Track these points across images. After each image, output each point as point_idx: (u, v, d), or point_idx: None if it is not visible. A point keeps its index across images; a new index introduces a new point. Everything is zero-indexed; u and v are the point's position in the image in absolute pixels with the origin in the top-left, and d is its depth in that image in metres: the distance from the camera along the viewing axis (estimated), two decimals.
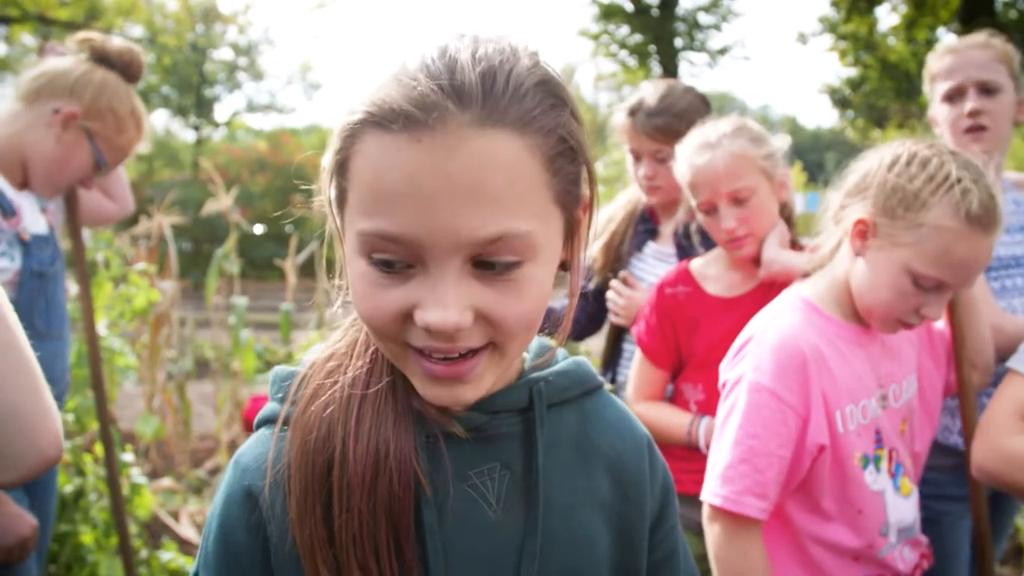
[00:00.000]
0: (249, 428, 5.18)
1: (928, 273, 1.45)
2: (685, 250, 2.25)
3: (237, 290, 5.58)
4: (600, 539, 0.94)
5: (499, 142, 0.73)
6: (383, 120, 0.73)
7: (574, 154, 0.81)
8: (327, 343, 0.94)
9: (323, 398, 0.86)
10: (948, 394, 1.79)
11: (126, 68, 2.20)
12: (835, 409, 1.52)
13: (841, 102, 18.85)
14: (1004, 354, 1.74)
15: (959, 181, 1.43)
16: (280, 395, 0.91)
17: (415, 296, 0.76)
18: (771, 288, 1.83)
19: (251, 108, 27.62)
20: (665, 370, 2.09)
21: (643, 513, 0.99)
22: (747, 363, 1.56)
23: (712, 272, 2.07)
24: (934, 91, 2.28)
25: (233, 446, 5.32)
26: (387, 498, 0.82)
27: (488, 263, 0.76)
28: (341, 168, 0.79)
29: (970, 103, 2.15)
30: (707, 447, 1.91)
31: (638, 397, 2.10)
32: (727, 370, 1.63)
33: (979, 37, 2.25)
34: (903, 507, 1.61)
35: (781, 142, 2.01)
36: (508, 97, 0.74)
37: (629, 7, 21.83)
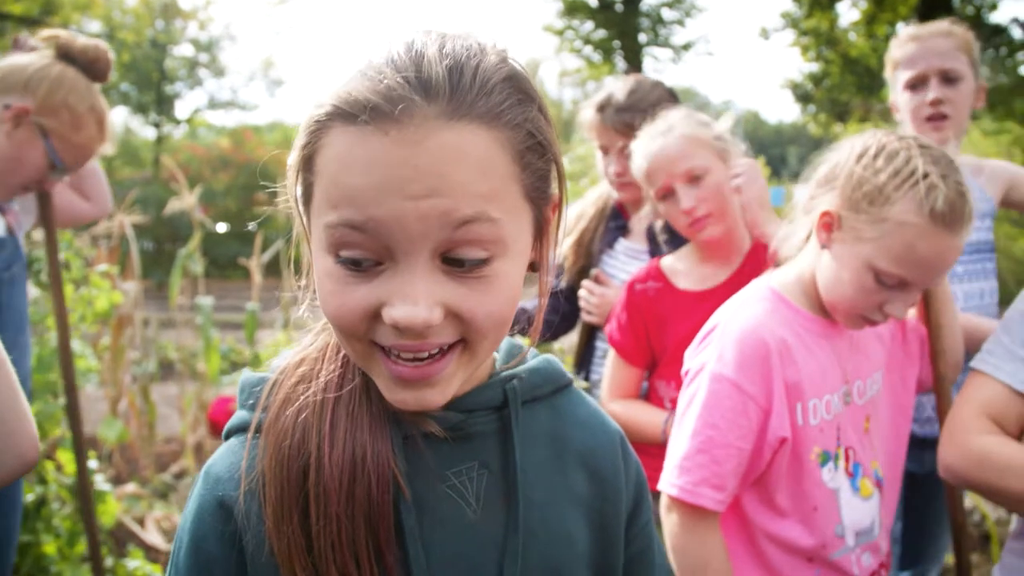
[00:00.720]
0: (215, 430, 5.13)
1: (890, 270, 1.43)
2: (658, 246, 2.24)
3: (202, 290, 5.50)
4: (578, 535, 0.94)
5: (467, 135, 0.73)
6: (350, 113, 0.73)
7: (543, 150, 0.81)
8: (297, 347, 0.92)
9: (296, 404, 0.84)
10: (921, 390, 1.79)
11: (90, 65, 2.12)
12: (796, 402, 1.51)
13: (803, 97, 19.04)
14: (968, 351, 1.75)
15: (925, 176, 1.40)
16: (251, 402, 0.89)
17: (383, 293, 0.75)
18: (743, 280, 1.83)
19: (213, 105, 27.22)
20: (639, 367, 2.09)
21: (619, 509, 0.99)
22: (710, 352, 1.54)
23: (682, 267, 2.08)
24: (896, 78, 2.30)
25: (199, 449, 5.24)
26: (365, 503, 0.80)
27: (457, 260, 0.75)
28: (307, 163, 0.78)
29: (932, 92, 2.19)
30: None
31: (612, 396, 2.10)
32: (690, 358, 1.61)
33: (942, 25, 2.28)
34: (861, 509, 1.58)
35: (727, 123, 2.05)
36: (476, 91, 0.74)
37: (593, 3, 21.88)
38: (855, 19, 17.52)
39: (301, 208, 0.83)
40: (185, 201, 5.19)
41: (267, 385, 0.89)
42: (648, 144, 2.00)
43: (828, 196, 1.52)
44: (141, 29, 23.38)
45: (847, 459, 1.56)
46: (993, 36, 15.23)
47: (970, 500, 4.27)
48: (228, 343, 6.49)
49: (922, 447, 2.22)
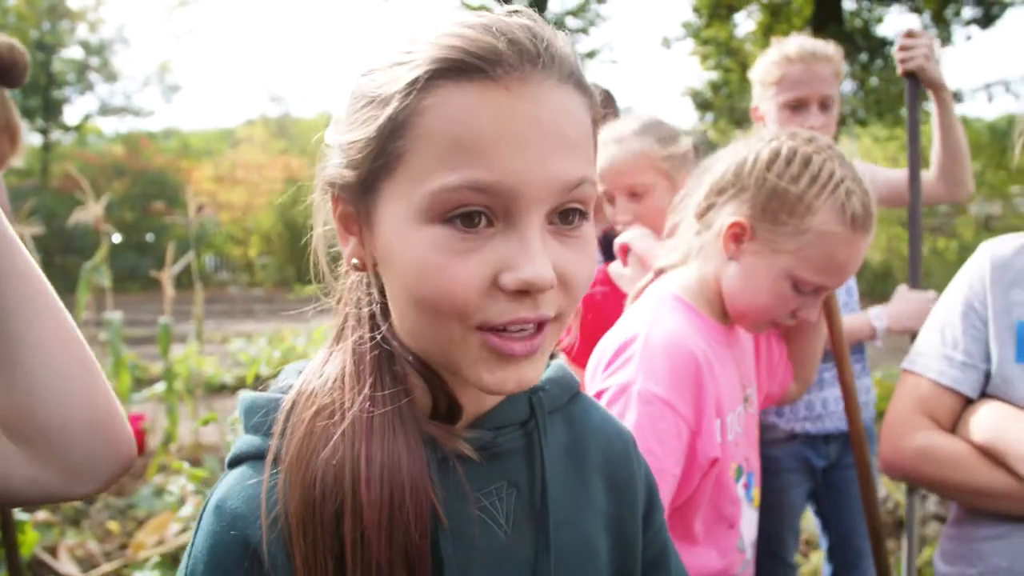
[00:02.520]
0: None
1: (811, 279, 1.40)
2: (611, 253, 2.23)
3: (109, 304, 5.23)
4: (600, 547, 0.92)
5: (572, 98, 0.74)
6: (471, 66, 0.69)
7: (597, 127, 0.81)
8: (309, 367, 0.84)
9: (319, 434, 0.76)
10: (765, 404, 1.79)
11: (5, 70, 1.85)
12: (718, 417, 1.43)
13: (703, 104, 19.51)
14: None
15: (842, 181, 1.38)
16: (265, 428, 0.80)
17: (499, 258, 0.71)
18: None
19: (104, 111, 26.16)
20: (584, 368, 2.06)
21: (636, 513, 0.98)
22: (633, 369, 1.40)
23: (628, 273, 2.06)
24: (772, 92, 2.32)
25: None
26: (403, 545, 0.74)
27: (564, 214, 0.74)
28: (396, 131, 0.72)
29: (813, 118, 2.24)
30: None
31: None
32: (604, 376, 1.46)
33: (821, 50, 2.32)
34: (753, 519, 1.56)
35: (686, 146, 2.04)
36: (573, 60, 0.75)
37: (496, 6, 21.95)
38: (752, 29, 18.09)
39: (357, 193, 0.77)
40: (91, 211, 4.93)
41: (282, 410, 0.80)
42: (602, 146, 1.97)
43: (733, 205, 1.46)
44: (25, 30, 22.22)
45: (745, 471, 1.53)
46: (881, 47, 15.97)
47: (884, 488, 4.43)
48: (131, 359, 6.21)
49: (827, 442, 2.33)
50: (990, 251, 1.51)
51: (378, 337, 0.80)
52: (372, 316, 0.82)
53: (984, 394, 1.48)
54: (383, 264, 0.77)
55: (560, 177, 0.71)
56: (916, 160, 2.21)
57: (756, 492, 1.56)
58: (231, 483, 0.79)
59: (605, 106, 2.24)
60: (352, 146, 0.75)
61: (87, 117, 25.88)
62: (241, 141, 27.12)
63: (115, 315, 4.92)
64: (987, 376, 1.47)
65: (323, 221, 0.87)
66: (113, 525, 4.17)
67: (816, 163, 1.39)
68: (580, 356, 2.05)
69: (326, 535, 0.73)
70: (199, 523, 0.79)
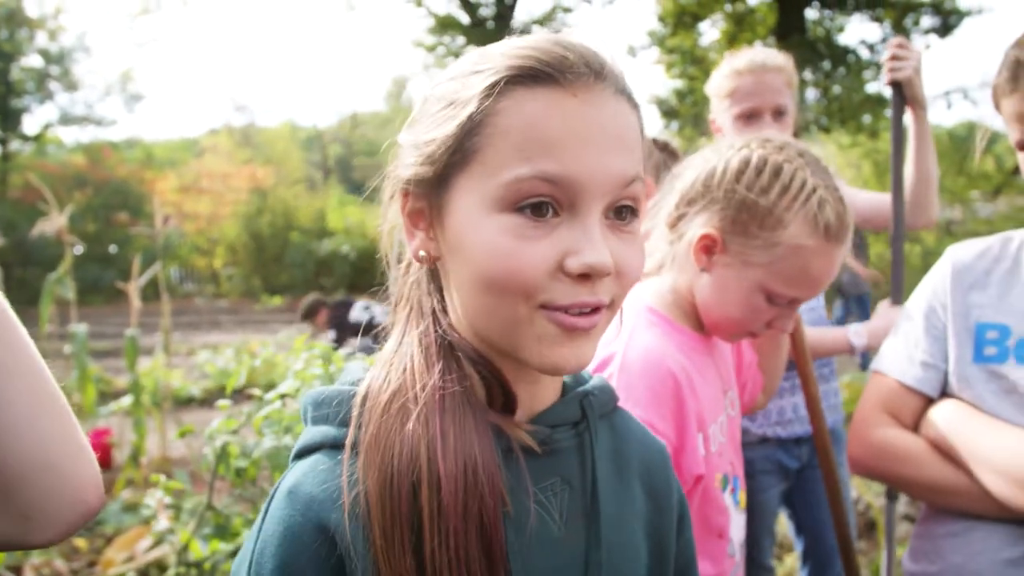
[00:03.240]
0: None
1: (785, 292, 1.38)
2: None
3: (73, 317, 5.14)
4: (642, 548, 0.97)
5: (626, 109, 0.83)
6: (540, 74, 0.78)
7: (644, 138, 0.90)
8: (379, 359, 0.90)
9: (395, 415, 0.81)
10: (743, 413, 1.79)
11: None
12: (700, 431, 1.39)
13: (668, 112, 19.68)
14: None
15: (815, 191, 1.35)
16: (338, 419, 0.85)
17: (565, 244, 0.78)
18: None
19: (65, 120, 25.78)
20: None
21: (671, 522, 1.02)
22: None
23: None
24: (726, 105, 2.35)
25: None
26: (478, 519, 0.78)
27: (619, 210, 0.82)
28: (473, 129, 0.80)
29: (767, 128, 2.25)
30: None
31: None
32: None
33: (776, 59, 2.35)
34: (740, 522, 1.53)
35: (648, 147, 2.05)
36: (624, 75, 0.84)
37: (465, 19, 21.97)
38: (716, 38, 18.32)
39: (432, 186, 0.83)
40: (53, 222, 4.85)
41: (356, 400, 0.85)
42: None
43: (704, 217, 1.42)
44: None
45: (730, 477, 1.51)
46: (843, 56, 16.27)
47: (855, 490, 4.48)
48: (96, 372, 6.11)
49: (798, 444, 2.38)
50: (952, 255, 1.55)
51: (441, 329, 0.86)
52: (434, 310, 0.88)
53: (945, 394, 1.52)
54: (452, 252, 0.83)
55: (617, 173, 0.80)
56: (899, 173, 2.24)
57: (742, 495, 1.55)
58: (304, 470, 0.82)
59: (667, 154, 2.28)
60: (429, 144, 0.82)
61: (47, 127, 25.48)
62: (206, 151, 26.88)
63: (80, 328, 4.84)
64: (947, 376, 1.51)
65: (390, 220, 0.92)
66: (81, 542, 4.09)
67: (787, 173, 1.36)
68: None
69: (404, 508, 0.77)
70: (266, 511, 0.81)
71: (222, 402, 2.12)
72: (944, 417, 1.46)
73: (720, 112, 2.38)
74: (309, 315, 8.06)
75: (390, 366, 0.86)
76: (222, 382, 8.08)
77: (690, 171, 1.47)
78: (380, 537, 0.76)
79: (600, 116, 0.79)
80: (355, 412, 0.83)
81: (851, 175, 13.73)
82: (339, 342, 6.99)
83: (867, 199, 2.44)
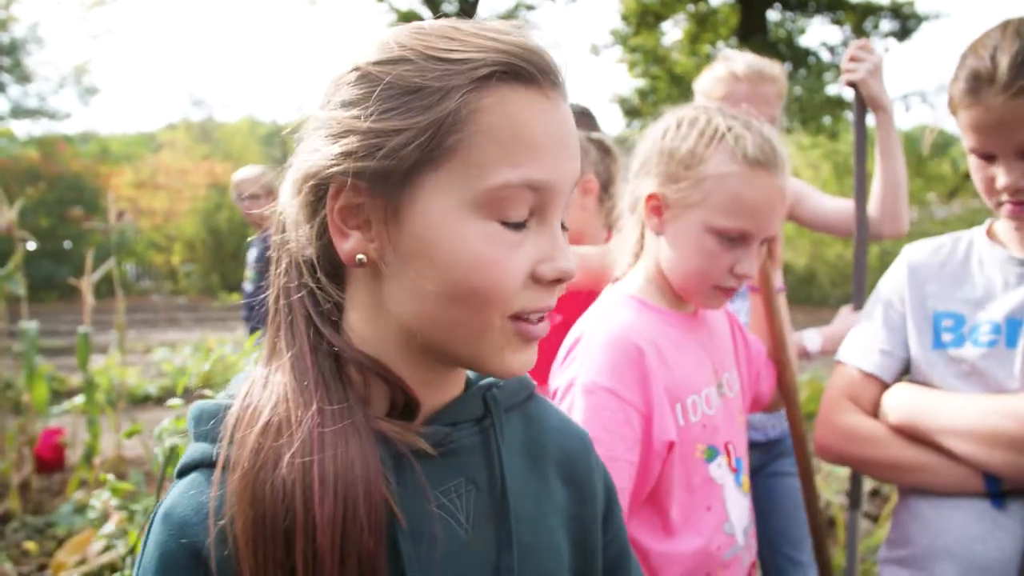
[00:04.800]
0: (44, 466, 4.68)
1: (727, 225, 1.42)
2: None
3: (24, 314, 5.00)
4: (562, 546, 0.92)
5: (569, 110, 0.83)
6: (524, 73, 0.76)
7: None
8: (249, 384, 0.81)
9: (267, 454, 0.74)
10: (753, 409, 1.82)
11: None
12: (676, 402, 1.44)
13: (631, 111, 19.80)
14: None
15: (729, 130, 1.43)
16: (215, 436, 0.79)
17: (538, 251, 0.78)
18: None
19: (17, 113, 25.19)
20: None
21: (595, 512, 0.98)
22: (578, 365, 1.44)
23: None
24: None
25: (25, 489, 4.75)
26: (357, 558, 0.72)
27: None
28: (453, 125, 0.74)
29: None
30: None
31: None
32: (556, 375, 1.50)
33: (774, 69, 2.36)
34: (743, 504, 1.55)
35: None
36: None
37: (427, 15, 21.94)
38: (679, 38, 18.46)
39: (390, 180, 0.76)
40: (2, 217, 4.72)
41: (228, 420, 0.78)
42: None
43: (644, 183, 1.52)
44: None
45: (728, 454, 1.53)
46: (804, 57, 16.49)
47: (824, 494, 4.52)
48: (48, 370, 5.97)
49: (752, 448, 2.32)
50: (907, 254, 1.67)
51: (323, 345, 0.80)
52: (314, 324, 0.81)
53: (909, 381, 1.61)
54: (409, 258, 0.77)
55: (575, 177, 0.81)
56: (862, 175, 2.23)
57: (745, 478, 1.57)
58: (180, 491, 0.78)
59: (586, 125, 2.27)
60: (391, 135, 0.75)
61: None
62: (163, 146, 26.49)
63: (30, 325, 4.71)
64: (907, 364, 1.62)
65: (302, 218, 0.81)
66: (31, 545, 3.98)
67: (701, 119, 1.47)
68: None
69: (277, 552, 0.72)
70: (147, 532, 0.78)
71: (173, 401, 2.07)
72: (901, 399, 1.56)
73: None
74: None
75: (262, 394, 0.79)
76: (179, 380, 7.96)
77: (635, 156, 1.56)
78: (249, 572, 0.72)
79: (565, 119, 0.79)
80: (226, 430, 0.77)
81: (810, 176, 13.92)
82: None
83: (834, 206, 2.44)
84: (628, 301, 1.53)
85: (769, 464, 2.40)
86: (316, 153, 0.78)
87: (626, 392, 1.38)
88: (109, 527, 2.76)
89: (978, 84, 1.40)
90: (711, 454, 1.49)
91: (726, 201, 1.42)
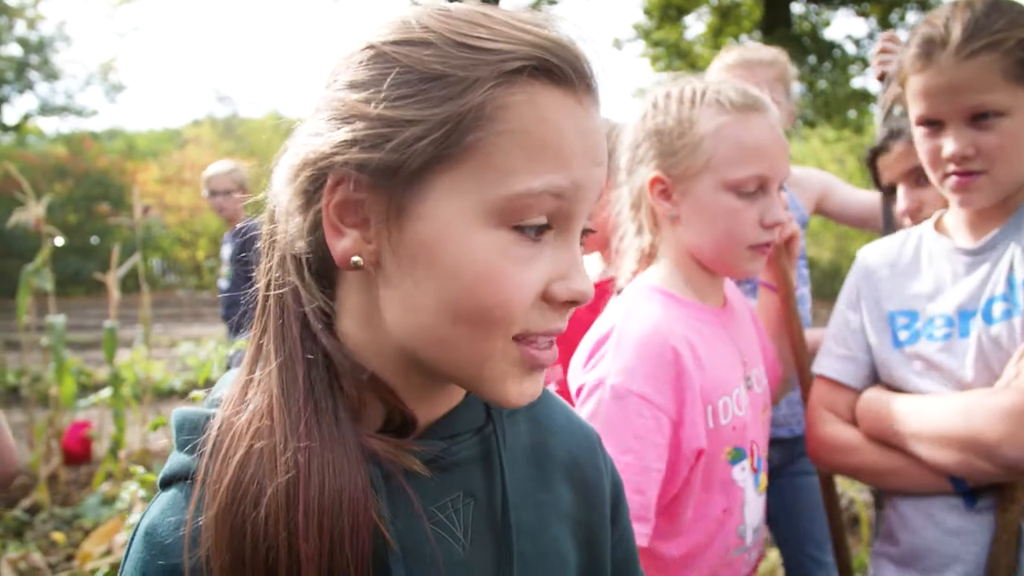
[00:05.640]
0: (71, 459, 4.74)
1: (740, 175, 1.39)
2: None
3: (52, 308, 5.07)
4: (569, 554, 0.87)
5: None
6: (558, 72, 0.69)
7: None
8: (230, 394, 0.75)
9: (248, 483, 0.68)
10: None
11: None
12: (707, 405, 1.38)
13: None
14: None
15: (705, 90, 1.42)
16: (194, 447, 0.73)
17: (555, 267, 0.71)
18: None
19: (45, 110, 25.49)
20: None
21: (604, 515, 0.93)
22: (608, 364, 1.36)
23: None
24: None
25: (54, 481, 4.83)
26: None
27: (589, 229, 0.76)
28: (475, 122, 0.67)
29: None
30: None
31: None
32: (581, 372, 1.42)
33: (765, 54, 2.38)
34: (757, 505, 1.51)
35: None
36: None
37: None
38: (702, 32, 18.34)
39: (397, 176, 0.68)
40: (31, 213, 4.78)
41: (211, 431, 0.72)
42: None
43: (642, 171, 1.48)
44: None
45: (752, 454, 1.48)
46: (829, 50, 16.32)
47: (839, 485, 4.49)
48: (76, 364, 6.04)
49: (770, 445, 2.34)
50: (861, 256, 1.67)
51: (316, 354, 0.72)
52: (305, 331, 0.73)
53: (875, 383, 1.61)
54: (411, 265, 0.69)
55: (599, 187, 0.73)
56: None
57: (763, 478, 1.52)
58: (160, 507, 0.73)
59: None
60: (403, 126, 0.67)
61: (27, 117, 25.20)
62: (188, 142, 26.64)
63: (58, 319, 4.77)
64: (873, 367, 1.61)
65: (295, 208, 0.73)
66: (58, 536, 4.04)
67: (676, 91, 1.45)
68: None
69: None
70: (128, 548, 0.73)
71: (196, 393, 2.09)
72: (867, 404, 1.56)
73: None
74: None
75: (244, 408, 0.72)
76: (202, 374, 8.04)
77: (621, 155, 1.55)
78: None
79: (596, 128, 0.72)
80: (206, 446, 0.71)
81: (835, 170, 13.78)
82: None
83: (862, 198, 2.42)
84: (653, 294, 1.47)
85: (793, 462, 2.38)
86: (318, 137, 0.70)
87: (659, 398, 1.32)
88: (135, 517, 2.79)
89: (931, 47, 1.39)
90: (737, 456, 1.44)
91: (730, 151, 1.39)
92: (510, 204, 0.67)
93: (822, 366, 1.66)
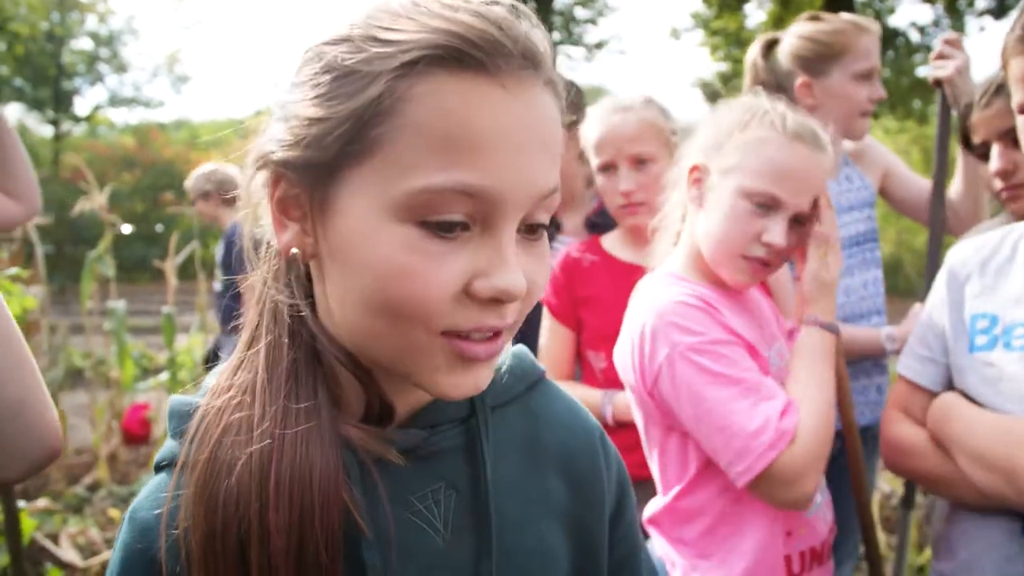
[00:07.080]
0: (130, 440, 4.88)
1: (758, 187, 1.42)
2: (599, 228, 2.28)
3: (113, 294, 5.25)
4: (558, 550, 0.86)
5: (552, 104, 0.71)
6: (466, 57, 0.64)
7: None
8: (220, 376, 0.78)
9: (224, 458, 0.70)
10: None
11: None
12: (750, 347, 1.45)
13: (713, 96, 19.40)
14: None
15: (774, 107, 1.48)
16: (182, 432, 0.75)
17: (474, 263, 0.67)
18: None
19: (114, 102, 26.23)
20: (571, 328, 2.11)
21: (602, 513, 0.91)
22: (661, 343, 1.40)
23: (619, 245, 2.13)
24: (847, 61, 2.22)
25: (113, 459, 5.02)
26: (314, 567, 0.68)
27: (532, 224, 0.72)
28: (376, 117, 0.65)
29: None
30: (615, 423, 1.93)
31: (547, 362, 2.08)
32: (648, 364, 1.44)
33: (872, 23, 2.31)
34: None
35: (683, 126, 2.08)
36: (552, 61, 0.72)
37: (506, 2, 21.92)
38: (762, 20, 18.00)
39: (318, 173, 0.69)
40: (95, 201, 4.95)
41: (193, 420, 0.74)
42: (607, 116, 2.04)
43: (691, 156, 1.55)
44: (35, 21, 22.29)
45: None
46: (892, 39, 15.88)
47: (888, 484, 4.42)
48: (139, 348, 6.24)
49: None
50: (950, 255, 1.59)
51: (302, 337, 0.74)
52: (294, 314, 0.75)
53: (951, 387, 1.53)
54: (335, 257, 0.70)
55: (541, 185, 0.69)
56: (942, 173, 2.18)
57: None
58: (147, 491, 0.76)
59: (576, 106, 2.26)
60: (314, 124, 0.68)
61: (97, 108, 25.96)
62: (251, 132, 27.16)
63: (119, 304, 4.94)
64: (948, 369, 1.54)
65: (253, 202, 0.77)
66: (115, 512, 4.20)
67: (749, 100, 1.51)
68: (563, 313, 2.10)
69: (230, 562, 0.68)
70: (120, 529, 0.76)
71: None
72: (934, 410, 1.50)
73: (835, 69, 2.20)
74: None
75: (229, 387, 0.74)
76: None
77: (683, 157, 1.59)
78: None
79: (530, 114, 0.67)
80: (190, 432, 0.73)
81: None
82: None
83: (923, 186, 2.34)
84: (671, 279, 1.53)
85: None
86: (264, 136, 0.74)
87: (721, 334, 1.40)
88: None
89: None
90: None
91: (760, 164, 1.43)
92: (412, 200, 0.65)
93: (902, 365, 1.61)
